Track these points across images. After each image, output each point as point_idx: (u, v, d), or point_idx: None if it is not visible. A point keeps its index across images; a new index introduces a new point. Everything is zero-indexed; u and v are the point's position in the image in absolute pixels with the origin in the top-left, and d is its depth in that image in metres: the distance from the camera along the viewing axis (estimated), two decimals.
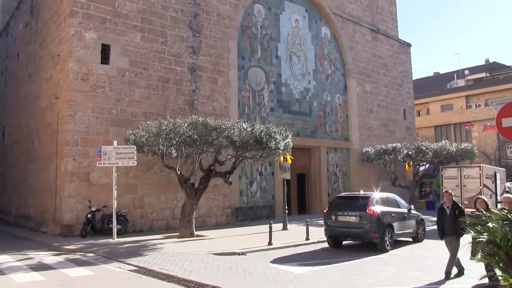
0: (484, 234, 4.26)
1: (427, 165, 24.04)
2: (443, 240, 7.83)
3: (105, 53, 13.65)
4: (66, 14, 13.47)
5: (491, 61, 48.46)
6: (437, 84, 46.92)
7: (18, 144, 18.27)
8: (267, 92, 18.41)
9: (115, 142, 12.02)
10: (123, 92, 13.85)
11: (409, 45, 27.59)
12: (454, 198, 8.47)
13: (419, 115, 40.74)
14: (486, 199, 7.46)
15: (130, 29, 14.24)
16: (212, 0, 16.65)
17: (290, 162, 14.45)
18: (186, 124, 11.57)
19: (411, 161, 21.22)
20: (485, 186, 17.34)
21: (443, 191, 11.84)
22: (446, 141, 23.96)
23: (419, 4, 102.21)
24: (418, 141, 24.98)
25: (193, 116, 12.48)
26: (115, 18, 13.95)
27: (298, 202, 20.37)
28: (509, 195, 7.16)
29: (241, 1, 17.62)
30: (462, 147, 22.80)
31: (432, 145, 22.47)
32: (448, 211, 7.86)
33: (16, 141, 18.55)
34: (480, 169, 17.59)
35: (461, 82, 45.06)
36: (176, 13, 15.43)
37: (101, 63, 13.52)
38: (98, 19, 13.58)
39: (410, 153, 21.25)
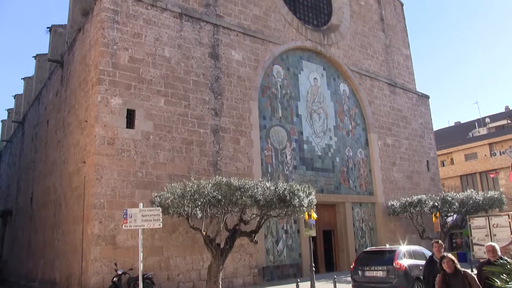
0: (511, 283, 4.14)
1: (454, 216, 23.52)
2: None
3: (130, 118, 14.10)
4: (94, 82, 14.09)
5: (511, 107, 48.27)
6: (459, 134, 46.68)
7: (45, 208, 18.61)
8: (289, 150, 18.60)
9: (140, 205, 12.12)
10: (148, 155, 14.17)
11: (427, 97, 27.78)
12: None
13: (443, 166, 40.26)
14: (454, 258, 6.47)
15: (154, 94, 14.76)
16: (232, 63, 17.28)
17: (315, 219, 14.34)
18: (210, 185, 11.68)
19: (438, 212, 20.80)
20: None
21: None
22: (472, 190, 23.51)
23: (435, 56, 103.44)
24: (443, 192, 24.56)
25: (217, 176, 12.61)
26: (140, 84, 14.52)
27: (325, 259, 19.96)
28: (490, 243, 6.63)
29: (260, 63, 18.23)
30: (489, 195, 22.29)
31: (458, 195, 22.07)
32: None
33: (44, 205, 18.91)
34: (509, 218, 17.05)
35: (483, 130, 44.77)
36: (198, 77, 16.00)
37: (127, 127, 13.93)
38: (124, 85, 14.15)
39: (436, 204, 20.88)
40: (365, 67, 23.54)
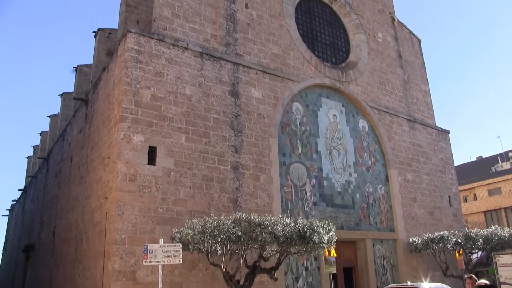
0: None
1: (479, 253, 22.92)
2: None
3: (151, 155, 14.36)
4: (117, 120, 14.47)
5: None
6: (481, 169, 46.03)
7: (67, 243, 18.82)
8: (309, 186, 18.61)
9: (161, 241, 12.22)
10: (169, 191, 14.34)
11: (447, 132, 27.63)
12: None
13: (466, 201, 39.58)
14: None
15: (175, 131, 15.06)
16: (252, 101, 17.59)
17: (335, 255, 14.20)
18: (230, 221, 11.75)
19: (461, 249, 20.33)
20: None
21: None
22: (497, 226, 22.97)
23: (455, 91, 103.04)
24: (466, 228, 24.05)
25: (237, 213, 12.68)
26: (161, 121, 14.85)
27: None
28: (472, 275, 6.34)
29: (279, 101, 18.51)
30: None
31: (482, 231, 21.58)
32: None
33: (65, 240, 19.13)
34: None
35: (506, 165, 44.08)
36: (218, 115, 16.31)
37: (148, 164, 14.18)
38: (146, 123, 14.50)
39: (459, 240, 20.42)
40: (384, 103, 23.65)
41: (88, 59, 24.48)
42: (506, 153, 45.46)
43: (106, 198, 14.35)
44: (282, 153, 18.09)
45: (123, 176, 13.63)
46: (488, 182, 39.40)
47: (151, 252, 11.90)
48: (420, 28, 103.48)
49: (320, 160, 19.45)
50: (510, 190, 37.37)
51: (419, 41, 28.86)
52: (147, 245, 12.03)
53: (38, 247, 26.17)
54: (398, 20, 27.25)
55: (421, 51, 28.65)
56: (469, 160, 52.46)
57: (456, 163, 28.83)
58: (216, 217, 12.25)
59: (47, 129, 31.63)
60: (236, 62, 17.49)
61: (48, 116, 31.32)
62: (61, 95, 27.74)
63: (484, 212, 38.22)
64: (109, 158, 14.73)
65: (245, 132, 16.96)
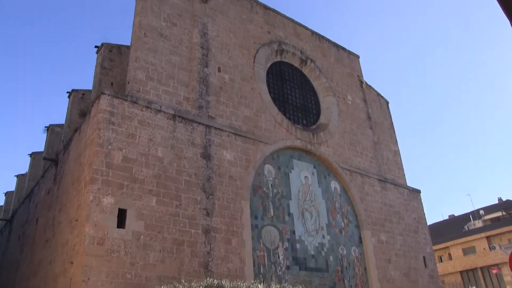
0: None
1: None
2: None
3: (121, 217, 14.02)
4: (87, 181, 14.20)
5: (504, 199, 48.61)
6: (454, 227, 46.47)
7: None
8: (281, 250, 18.33)
9: None
10: (138, 255, 13.90)
11: (418, 191, 27.98)
12: None
13: (441, 261, 39.52)
14: None
15: (146, 194, 14.83)
16: (224, 163, 17.59)
17: None
18: (201, 287, 11.39)
19: None
20: None
21: None
22: (474, 287, 22.85)
23: (424, 151, 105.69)
24: None
25: (208, 279, 12.31)
26: (132, 183, 14.64)
27: None
28: None
29: (251, 163, 18.56)
30: None
31: None
32: None
33: None
34: None
35: (478, 223, 44.63)
36: (190, 177, 16.20)
37: (117, 227, 13.79)
38: (116, 185, 14.26)
39: None
40: (355, 164, 23.97)
41: (61, 119, 24.34)
42: (477, 211, 46.14)
43: (72, 262, 13.80)
44: (254, 215, 17.92)
45: (90, 239, 13.19)
46: (462, 241, 39.57)
47: None
48: (387, 89, 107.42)
49: (292, 223, 19.31)
50: (484, 249, 37.53)
51: (387, 102, 29.82)
52: None
53: None
54: (366, 82, 28.25)
55: (389, 112, 29.54)
56: (442, 219, 53.02)
57: (429, 222, 29.07)
58: (186, 283, 11.85)
59: (13, 189, 30.78)
60: (208, 125, 17.64)
61: (15, 176, 30.61)
62: (30, 155, 27.27)
63: (461, 272, 38.10)
64: (77, 220, 14.31)
65: (217, 194, 16.82)
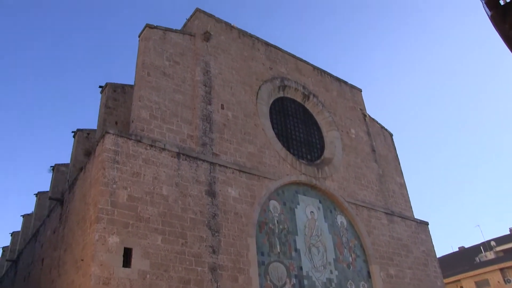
0: None
1: None
2: None
3: (127, 257, 13.93)
4: (92, 220, 14.19)
5: None
6: (465, 259, 45.59)
7: None
8: (289, 286, 18.02)
9: None
10: None
11: (426, 223, 27.67)
12: None
13: None
14: None
15: (151, 232, 14.78)
16: (229, 200, 17.58)
17: None
18: None
19: None
20: None
21: None
22: None
23: (431, 182, 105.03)
24: None
25: None
26: (137, 222, 14.62)
27: None
28: None
29: (256, 199, 18.53)
30: None
31: None
32: None
33: None
34: None
35: (490, 255, 43.73)
36: (195, 215, 16.16)
37: (123, 266, 13.68)
38: (121, 224, 14.24)
39: None
40: (361, 198, 23.85)
41: (66, 159, 24.56)
42: (489, 242, 45.40)
43: None
44: (261, 252, 17.76)
45: (96, 279, 13.08)
46: (474, 274, 38.68)
47: None
48: (391, 122, 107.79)
49: (299, 258, 19.08)
50: (499, 282, 36.63)
51: (391, 135, 29.89)
52: None
53: None
54: (369, 115, 28.42)
55: (393, 144, 29.56)
56: (451, 251, 52.18)
57: (438, 255, 28.64)
58: None
59: (19, 229, 30.73)
60: (212, 162, 17.72)
61: (21, 216, 30.61)
62: (36, 194, 27.36)
63: None
64: (82, 260, 14.23)
65: (223, 232, 16.74)
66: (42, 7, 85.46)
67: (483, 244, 45.85)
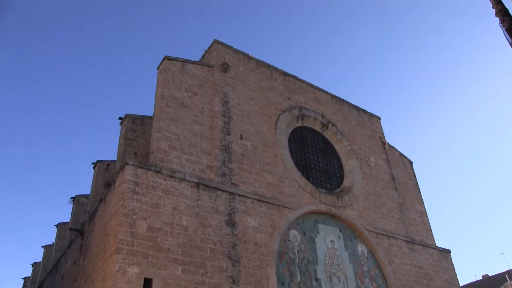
0: None
1: None
2: None
3: (147, 287, 13.94)
4: (112, 251, 14.26)
5: None
6: None
7: None
8: None
9: None
10: None
11: (448, 251, 27.12)
12: None
13: None
14: None
15: (171, 263, 14.78)
16: (249, 230, 17.53)
17: None
18: None
19: None
20: None
21: None
22: None
23: (453, 209, 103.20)
24: None
25: None
26: (157, 253, 14.64)
27: None
28: None
29: (276, 229, 18.44)
30: None
31: None
32: None
33: None
34: None
35: None
36: (215, 245, 16.14)
37: None
38: (141, 254, 14.28)
39: None
40: (381, 226, 23.55)
41: (86, 190, 24.84)
42: None
43: None
44: (281, 282, 17.56)
45: None
46: None
47: None
48: (410, 149, 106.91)
49: None
50: None
51: (411, 162, 29.62)
52: None
53: None
54: (388, 143, 28.27)
55: (413, 172, 29.25)
56: (475, 279, 50.80)
57: (462, 283, 27.89)
58: None
59: (40, 260, 30.92)
60: (232, 192, 17.76)
61: (42, 247, 30.83)
62: (57, 225, 27.62)
63: None
64: None
65: (243, 262, 16.64)
66: (61, 38, 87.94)
67: (508, 272, 44.68)
